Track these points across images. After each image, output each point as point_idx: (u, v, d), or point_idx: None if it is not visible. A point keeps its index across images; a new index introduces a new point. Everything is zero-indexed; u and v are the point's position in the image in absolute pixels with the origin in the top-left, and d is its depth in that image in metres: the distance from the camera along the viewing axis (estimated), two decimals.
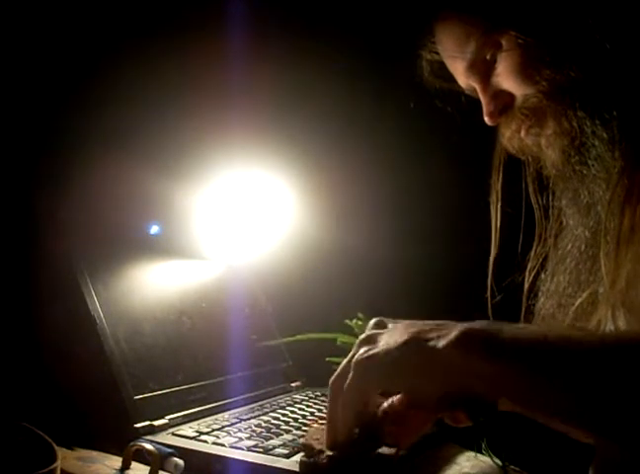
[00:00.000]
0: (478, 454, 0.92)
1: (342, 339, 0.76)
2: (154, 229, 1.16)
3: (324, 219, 1.25)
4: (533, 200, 0.86)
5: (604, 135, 0.72)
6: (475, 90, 0.82)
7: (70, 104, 1.05)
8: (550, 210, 0.85)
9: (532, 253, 0.87)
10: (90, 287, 0.95)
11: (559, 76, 0.74)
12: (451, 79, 0.85)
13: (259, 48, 1.19)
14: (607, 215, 0.72)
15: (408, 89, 1.31)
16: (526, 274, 0.87)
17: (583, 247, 0.77)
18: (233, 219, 1.22)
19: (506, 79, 0.77)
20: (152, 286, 1.07)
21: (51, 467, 0.66)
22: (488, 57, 0.78)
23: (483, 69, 0.79)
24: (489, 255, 0.90)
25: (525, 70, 0.75)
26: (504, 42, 0.76)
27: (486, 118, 0.82)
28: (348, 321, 0.76)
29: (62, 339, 0.91)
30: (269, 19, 1.23)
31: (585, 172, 0.74)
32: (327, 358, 0.76)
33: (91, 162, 1.03)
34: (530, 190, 0.86)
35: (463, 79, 0.83)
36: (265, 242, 1.23)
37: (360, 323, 0.76)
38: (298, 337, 0.79)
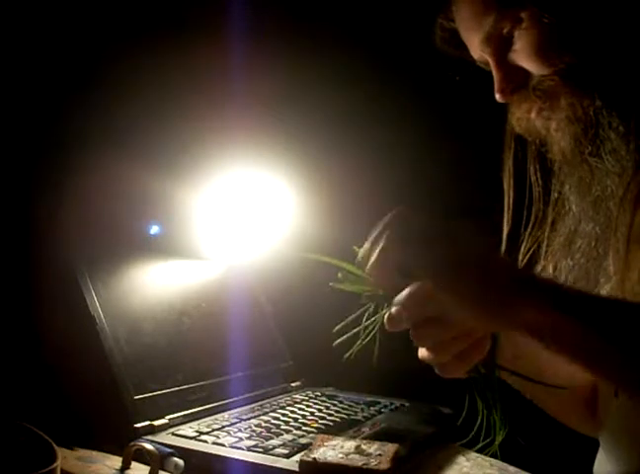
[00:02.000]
0: (478, 454, 0.92)
1: (349, 267, 0.73)
2: (154, 229, 1.16)
3: (324, 219, 1.24)
4: (533, 180, 0.85)
5: (621, 128, 0.70)
6: (488, 64, 0.79)
7: (70, 104, 1.05)
8: (552, 193, 0.83)
9: (527, 233, 0.85)
10: (90, 287, 0.95)
11: (580, 61, 0.71)
12: (464, 49, 0.82)
13: (259, 49, 1.19)
14: (620, 212, 0.71)
15: (408, 89, 1.32)
16: (520, 255, 0.86)
17: (593, 243, 0.76)
18: (233, 219, 1.22)
19: (523, 57, 0.74)
20: (152, 286, 1.07)
21: (51, 467, 0.66)
22: (505, 32, 0.75)
23: (499, 43, 0.76)
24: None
25: (545, 50, 0.73)
26: (525, 18, 0.73)
27: (497, 95, 0.78)
28: (355, 247, 0.74)
29: (62, 339, 0.91)
30: (269, 19, 1.23)
31: (599, 165, 0.73)
32: (330, 283, 0.74)
33: (91, 162, 1.03)
34: (531, 169, 0.85)
35: (477, 52, 0.79)
36: (265, 242, 1.23)
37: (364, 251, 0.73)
38: (307, 255, 0.76)
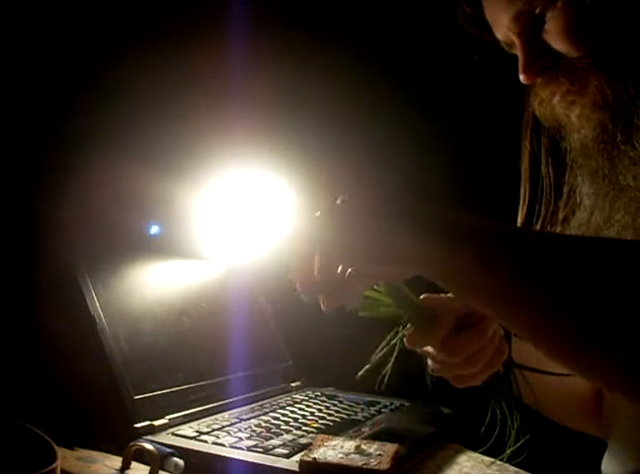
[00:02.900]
0: (478, 454, 0.92)
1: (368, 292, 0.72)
2: (154, 229, 1.16)
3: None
4: (544, 172, 0.83)
5: None
6: (512, 45, 0.77)
7: (70, 104, 1.05)
8: (564, 186, 0.82)
9: (539, 226, 0.83)
10: (90, 287, 0.95)
11: (615, 45, 0.69)
12: (486, 29, 0.80)
13: (259, 49, 1.19)
14: None
15: (408, 89, 1.32)
16: None
17: (623, 231, 0.73)
18: (233, 219, 1.22)
19: (555, 37, 0.72)
20: (152, 286, 1.07)
21: (51, 467, 0.66)
22: (537, 11, 0.72)
23: (529, 23, 0.73)
24: None
25: (579, 31, 0.70)
26: None
27: (521, 77, 0.76)
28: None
29: (62, 339, 0.91)
30: (268, 19, 1.23)
31: (630, 153, 0.71)
32: (360, 314, 0.72)
33: (91, 162, 1.03)
34: (542, 161, 0.83)
35: (503, 31, 0.77)
36: (265, 242, 1.23)
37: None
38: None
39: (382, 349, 0.73)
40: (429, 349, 0.72)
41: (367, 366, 0.74)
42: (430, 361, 0.73)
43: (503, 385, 0.70)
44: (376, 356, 0.74)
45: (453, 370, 0.70)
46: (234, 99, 1.19)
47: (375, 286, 0.70)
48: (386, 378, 0.74)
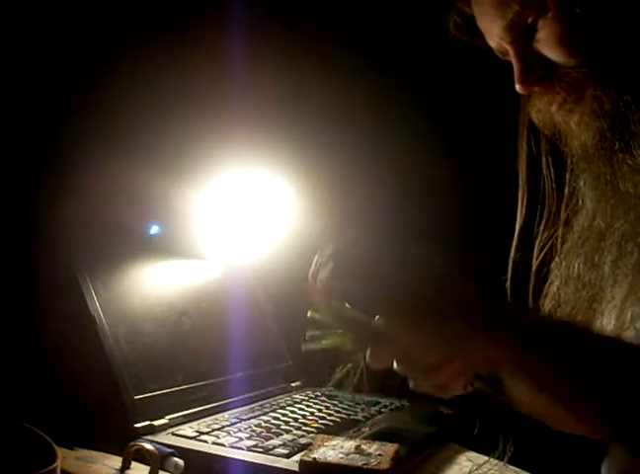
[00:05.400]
0: (478, 454, 0.92)
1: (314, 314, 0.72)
2: (154, 229, 1.16)
3: (324, 219, 1.24)
4: (545, 174, 0.83)
5: None
6: (505, 53, 0.77)
7: (70, 104, 1.05)
8: (565, 189, 0.81)
9: (541, 228, 0.83)
10: (90, 287, 0.95)
11: (610, 53, 0.69)
12: (478, 36, 0.79)
13: (258, 49, 1.19)
14: None
15: (408, 89, 1.32)
16: (535, 252, 0.84)
17: (622, 240, 0.73)
18: (233, 219, 1.22)
19: (548, 46, 0.71)
20: (152, 286, 1.07)
21: (51, 467, 0.66)
22: (530, 21, 0.72)
23: (522, 32, 0.73)
24: (489, 255, 0.88)
25: (572, 40, 0.70)
26: (551, 6, 0.70)
27: (517, 86, 0.75)
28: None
29: (62, 339, 0.91)
30: (268, 19, 1.23)
31: (628, 161, 0.70)
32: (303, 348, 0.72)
33: (91, 162, 1.03)
34: (543, 162, 0.83)
35: (496, 40, 0.76)
36: (265, 242, 1.23)
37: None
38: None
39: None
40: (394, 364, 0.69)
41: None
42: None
43: (489, 392, 0.70)
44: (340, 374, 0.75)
45: (424, 382, 0.68)
46: (234, 99, 1.19)
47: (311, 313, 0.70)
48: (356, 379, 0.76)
